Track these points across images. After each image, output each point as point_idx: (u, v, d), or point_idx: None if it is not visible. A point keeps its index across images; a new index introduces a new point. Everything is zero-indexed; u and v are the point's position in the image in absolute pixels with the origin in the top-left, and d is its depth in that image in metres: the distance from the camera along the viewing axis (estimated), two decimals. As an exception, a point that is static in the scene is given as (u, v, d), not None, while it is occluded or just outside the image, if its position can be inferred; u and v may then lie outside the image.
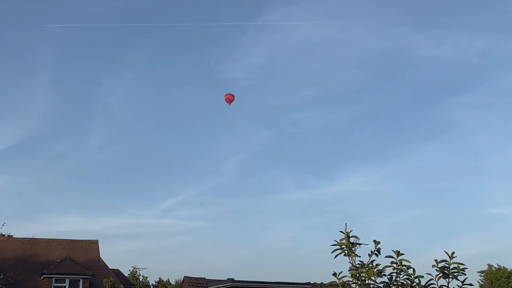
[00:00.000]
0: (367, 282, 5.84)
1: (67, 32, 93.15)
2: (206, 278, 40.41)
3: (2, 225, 45.81)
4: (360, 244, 5.96)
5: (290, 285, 31.45)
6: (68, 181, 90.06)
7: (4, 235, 42.35)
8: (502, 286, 50.02)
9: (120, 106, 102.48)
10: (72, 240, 38.70)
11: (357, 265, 5.90)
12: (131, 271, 59.16)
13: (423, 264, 6.38)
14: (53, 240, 38.52)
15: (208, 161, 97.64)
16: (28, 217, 75.35)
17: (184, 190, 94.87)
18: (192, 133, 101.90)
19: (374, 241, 6.03)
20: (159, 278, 58.85)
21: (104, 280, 38.67)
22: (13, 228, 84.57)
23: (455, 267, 5.82)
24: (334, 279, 6.04)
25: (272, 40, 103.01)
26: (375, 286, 5.90)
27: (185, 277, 43.37)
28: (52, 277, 33.39)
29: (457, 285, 5.89)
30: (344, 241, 6.01)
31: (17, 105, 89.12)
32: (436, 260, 5.84)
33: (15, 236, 41.98)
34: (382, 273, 5.90)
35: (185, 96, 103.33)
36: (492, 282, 51.19)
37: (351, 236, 6.00)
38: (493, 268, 53.16)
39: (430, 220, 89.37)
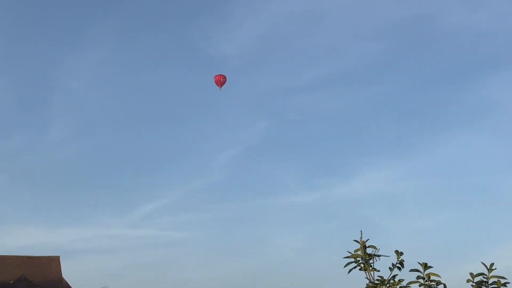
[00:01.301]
0: (388, 302, 6.34)
1: (18, 3, 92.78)
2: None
3: None
4: (379, 255, 5.95)
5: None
6: (22, 184, 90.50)
7: None
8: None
9: (85, 92, 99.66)
10: (28, 257, 38.62)
11: (376, 282, 5.96)
12: (101, 293, 62.50)
13: (456, 279, 6.49)
14: (5, 257, 38.08)
15: (194, 157, 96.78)
16: (-28, 230, 73.23)
17: (165, 193, 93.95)
18: (174, 124, 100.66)
19: (396, 251, 5.99)
20: (136, 300, 62.29)
21: (68, 304, 39.91)
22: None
23: (495, 282, 5.88)
24: (348, 299, 6.58)
25: (269, 9, 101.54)
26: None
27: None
28: (3, 303, 34.31)
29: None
30: (359, 253, 6.00)
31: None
32: (471, 274, 5.91)
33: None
34: (407, 291, 6.40)
35: (164, 79, 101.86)
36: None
37: (368, 246, 6.00)
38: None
39: (465, 225, 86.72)
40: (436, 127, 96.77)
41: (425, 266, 5.95)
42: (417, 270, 5.99)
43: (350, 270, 6.01)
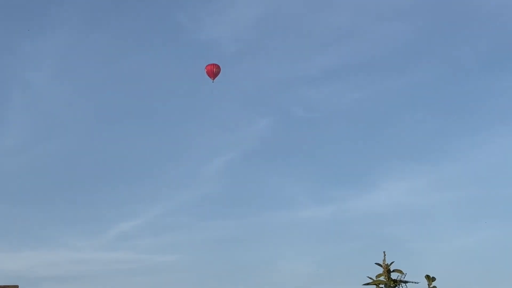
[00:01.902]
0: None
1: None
2: None
3: None
4: (406, 282, 5.83)
5: None
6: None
7: None
8: None
9: (46, 85, 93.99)
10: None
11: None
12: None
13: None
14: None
15: (181, 164, 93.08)
16: None
17: (145, 208, 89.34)
18: (156, 123, 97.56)
19: (427, 276, 5.86)
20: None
21: None
22: None
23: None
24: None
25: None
26: None
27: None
28: None
29: None
30: (382, 278, 5.88)
31: None
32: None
33: None
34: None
35: (144, 69, 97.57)
36: None
37: (393, 271, 5.92)
38: None
39: (511, 244, 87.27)
40: (474, 125, 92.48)
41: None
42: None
43: (372, 300, 6.06)
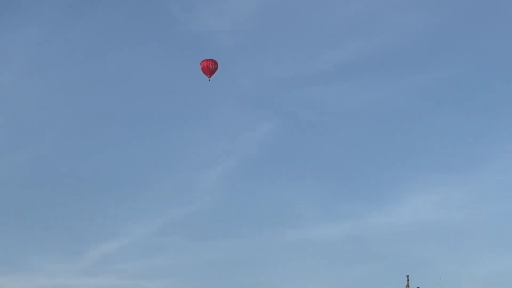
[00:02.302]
0: None
1: None
2: None
3: None
4: None
5: None
6: None
7: None
8: None
9: (18, 86, 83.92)
10: None
11: None
12: None
13: None
14: None
15: (171, 175, 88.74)
16: None
17: (131, 227, 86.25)
18: (143, 129, 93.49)
19: None
20: None
21: None
22: None
23: None
24: None
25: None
26: None
27: None
28: None
29: None
30: None
31: None
32: None
33: None
34: None
35: (129, 65, 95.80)
36: None
37: None
38: None
39: None
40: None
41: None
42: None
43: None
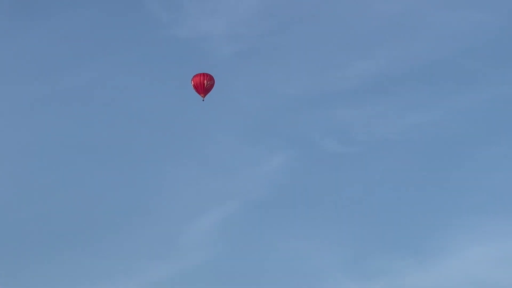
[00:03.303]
0: None
1: None
2: None
3: None
4: None
5: None
6: None
7: None
8: None
9: None
10: None
11: None
12: None
13: None
14: None
15: (154, 223, 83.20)
16: None
17: None
18: (118, 163, 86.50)
19: None
20: None
21: None
22: None
23: None
24: None
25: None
26: None
27: None
28: None
29: None
30: None
31: None
32: None
33: None
34: None
35: (100, 81, 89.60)
36: None
37: None
38: None
39: None
40: None
41: None
42: None
43: None
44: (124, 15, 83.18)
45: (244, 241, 76.22)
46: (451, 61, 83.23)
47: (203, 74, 52.49)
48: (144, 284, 70.77)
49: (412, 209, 75.97)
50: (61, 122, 78.32)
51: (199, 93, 52.60)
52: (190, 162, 78.11)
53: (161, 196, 78.36)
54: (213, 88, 53.07)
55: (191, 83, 52.40)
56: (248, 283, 70.84)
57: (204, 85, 52.58)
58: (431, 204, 77.23)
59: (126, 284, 70.11)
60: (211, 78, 52.48)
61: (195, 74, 52.63)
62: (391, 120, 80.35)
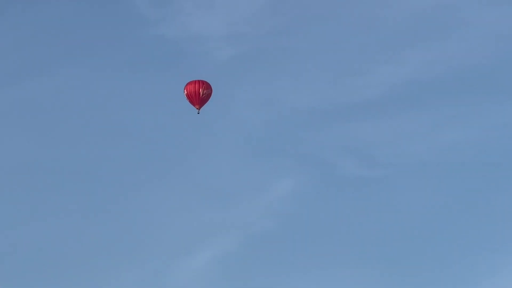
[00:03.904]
0: None
1: None
2: None
3: None
4: None
5: None
6: None
7: None
8: None
9: None
10: None
11: None
12: None
13: None
14: None
15: (139, 261, 78.45)
16: None
17: None
18: (100, 191, 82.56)
19: None
20: None
21: None
22: None
23: None
24: None
25: None
26: None
27: None
28: None
29: None
30: None
31: None
32: None
33: None
34: None
35: (78, 89, 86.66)
36: None
37: None
38: None
39: None
40: None
41: None
42: None
43: None
44: (106, 13, 78.77)
45: (244, 280, 70.16)
46: (495, 66, 77.30)
47: (198, 81, 49.73)
48: None
49: (446, 245, 70.48)
50: (23, 137, 72.49)
51: (193, 104, 50.24)
52: (181, 187, 71.97)
53: (146, 228, 72.00)
54: (210, 99, 50.84)
55: (184, 92, 49.93)
56: None
57: (199, 95, 49.78)
58: (469, 238, 71.11)
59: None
60: (207, 87, 49.85)
61: (188, 81, 49.66)
62: (422, 137, 74.55)
